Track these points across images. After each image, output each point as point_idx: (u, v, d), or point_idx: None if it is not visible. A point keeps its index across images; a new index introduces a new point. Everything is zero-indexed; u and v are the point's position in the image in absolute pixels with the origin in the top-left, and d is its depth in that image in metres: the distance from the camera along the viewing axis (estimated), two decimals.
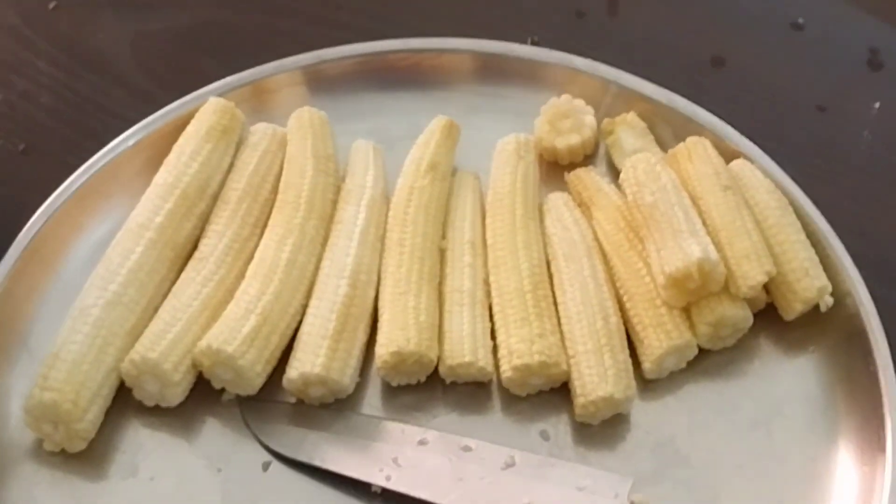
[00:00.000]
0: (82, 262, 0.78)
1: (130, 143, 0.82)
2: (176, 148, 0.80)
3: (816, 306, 0.75)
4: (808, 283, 0.74)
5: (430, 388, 0.75)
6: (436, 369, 0.75)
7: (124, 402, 0.73)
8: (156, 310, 0.74)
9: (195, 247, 0.77)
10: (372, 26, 0.91)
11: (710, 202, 0.76)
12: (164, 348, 0.71)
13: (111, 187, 0.81)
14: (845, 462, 0.72)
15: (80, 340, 0.71)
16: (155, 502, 0.72)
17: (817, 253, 0.76)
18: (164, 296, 0.75)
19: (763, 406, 0.74)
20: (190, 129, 0.81)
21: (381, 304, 0.76)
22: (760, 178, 0.78)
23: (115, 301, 0.73)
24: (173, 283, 0.76)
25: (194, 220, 0.78)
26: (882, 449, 0.70)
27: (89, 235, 0.80)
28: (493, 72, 0.87)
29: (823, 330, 0.76)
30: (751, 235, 0.74)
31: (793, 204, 0.78)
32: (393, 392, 0.75)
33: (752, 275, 0.73)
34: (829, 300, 0.75)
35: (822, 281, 0.74)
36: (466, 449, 0.71)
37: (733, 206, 0.75)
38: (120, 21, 0.94)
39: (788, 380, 0.75)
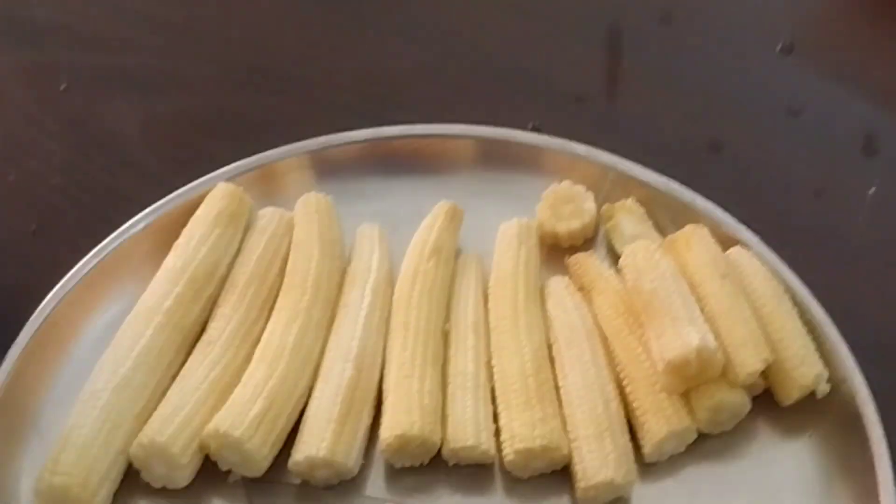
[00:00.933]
0: (92, 343, 0.79)
1: (140, 226, 0.83)
2: (185, 232, 0.81)
3: (813, 392, 0.75)
4: (804, 371, 0.75)
5: (433, 469, 0.75)
6: (439, 451, 0.75)
7: (132, 483, 0.74)
8: (164, 393, 0.75)
9: (203, 330, 0.78)
10: (376, 111, 0.92)
11: (709, 290, 0.76)
12: (172, 432, 0.72)
13: (121, 270, 0.82)
14: None
15: (90, 424, 0.72)
16: None
17: (813, 339, 0.76)
18: (173, 378, 0.76)
19: (761, 490, 0.74)
20: (199, 213, 0.82)
21: (385, 386, 0.76)
22: (757, 266, 0.79)
23: (124, 385, 0.74)
24: (181, 365, 0.77)
25: (203, 304, 0.79)
26: None
27: (99, 318, 0.80)
28: (495, 157, 0.87)
29: (820, 415, 0.76)
30: (748, 323, 0.75)
31: (789, 291, 0.78)
32: (397, 474, 0.75)
33: (749, 362, 0.73)
34: (826, 387, 0.75)
35: (819, 368, 0.75)
36: None
37: (731, 293, 0.76)
38: (130, 103, 0.95)
39: (786, 464, 0.75)
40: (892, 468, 0.72)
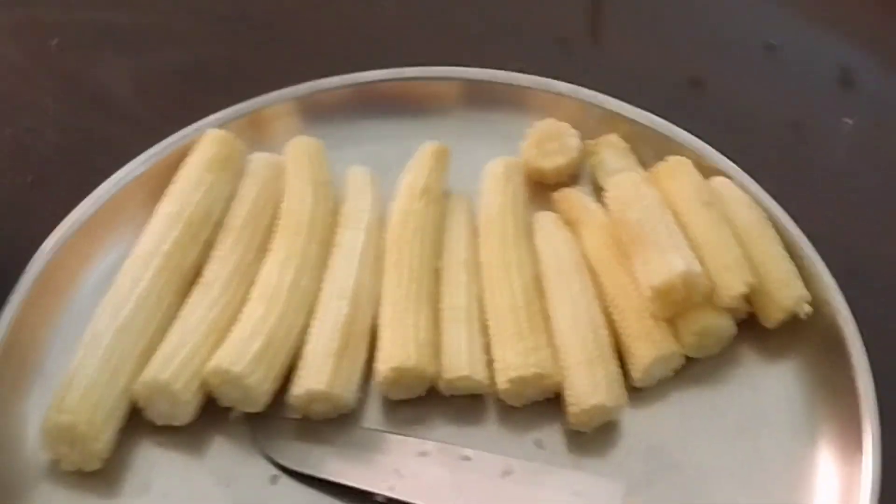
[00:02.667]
0: (92, 289, 0.80)
1: (135, 174, 0.84)
2: (179, 179, 0.82)
3: (796, 315, 0.77)
4: (786, 293, 0.77)
5: (429, 401, 0.77)
6: (434, 383, 0.77)
7: (136, 422, 0.75)
8: (165, 333, 0.76)
9: (200, 273, 0.80)
10: (363, 57, 0.92)
11: (692, 218, 0.78)
12: (174, 370, 0.74)
13: (117, 218, 0.83)
14: (827, 463, 0.74)
15: (94, 365, 0.74)
16: None
17: (795, 264, 0.78)
18: (173, 320, 0.77)
19: (748, 412, 0.76)
20: (191, 160, 0.83)
21: (381, 322, 0.78)
22: (739, 194, 0.81)
23: (125, 326, 0.75)
24: (181, 308, 0.78)
25: (199, 247, 0.80)
26: (860, 450, 0.72)
27: (98, 264, 0.82)
28: (480, 98, 0.89)
29: (803, 337, 0.78)
30: (731, 249, 0.77)
31: (771, 218, 0.80)
32: (393, 406, 0.77)
33: (733, 286, 0.76)
34: (808, 308, 0.77)
35: (801, 290, 0.77)
36: (465, 459, 0.74)
37: (714, 221, 0.78)
38: (121, 58, 0.96)
39: (771, 386, 0.77)
40: (873, 384, 0.74)
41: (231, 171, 0.84)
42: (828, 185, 0.89)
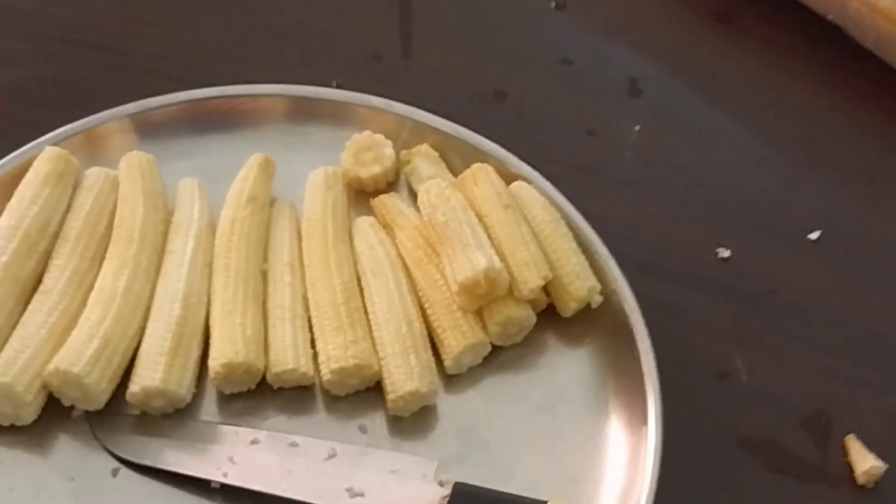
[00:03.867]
0: None
1: None
2: (17, 194, 0.85)
3: (589, 304, 0.83)
4: (579, 285, 0.83)
5: (259, 394, 0.81)
6: (264, 377, 0.81)
7: None
8: (6, 340, 0.79)
9: (40, 281, 0.82)
10: (191, 76, 0.94)
11: (494, 219, 0.84)
12: (15, 373, 0.77)
13: None
14: (617, 435, 0.80)
15: None
16: None
17: (587, 258, 0.84)
18: (13, 327, 0.80)
19: (548, 392, 0.82)
20: (28, 176, 0.86)
21: (211, 322, 0.82)
22: (536, 196, 0.86)
23: None
24: (21, 314, 0.81)
25: (37, 258, 0.83)
26: (645, 422, 0.79)
27: None
28: (302, 113, 0.92)
29: (595, 324, 0.84)
30: (529, 246, 0.83)
31: (565, 217, 0.86)
32: (226, 399, 0.81)
33: (531, 280, 0.81)
34: (599, 298, 0.83)
35: (592, 282, 0.83)
36: (294, 445, 0.78)
37: (513, 221, 0.83)
38: None
39: (568, 368, 0.83)
40: (655, 364, 0.80)
41: (66, 185, 0.86)
42: (618, 186, 0.95)
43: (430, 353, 0.82)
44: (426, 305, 0.84)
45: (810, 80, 1.03)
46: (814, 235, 0.94)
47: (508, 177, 0.88)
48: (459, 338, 0.82)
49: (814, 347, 0.89)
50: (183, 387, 0.80)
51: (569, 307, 0.84)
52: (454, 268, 0.82)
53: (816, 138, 1.00)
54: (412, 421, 0.81)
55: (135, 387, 0.79)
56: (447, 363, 0.82)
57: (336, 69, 0.99)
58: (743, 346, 0.88)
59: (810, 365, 0.88)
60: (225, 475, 0.78)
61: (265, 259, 0.86)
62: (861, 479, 0.83)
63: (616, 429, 0.81)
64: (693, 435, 0.83)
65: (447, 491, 0.76)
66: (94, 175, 0.88)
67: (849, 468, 0.84)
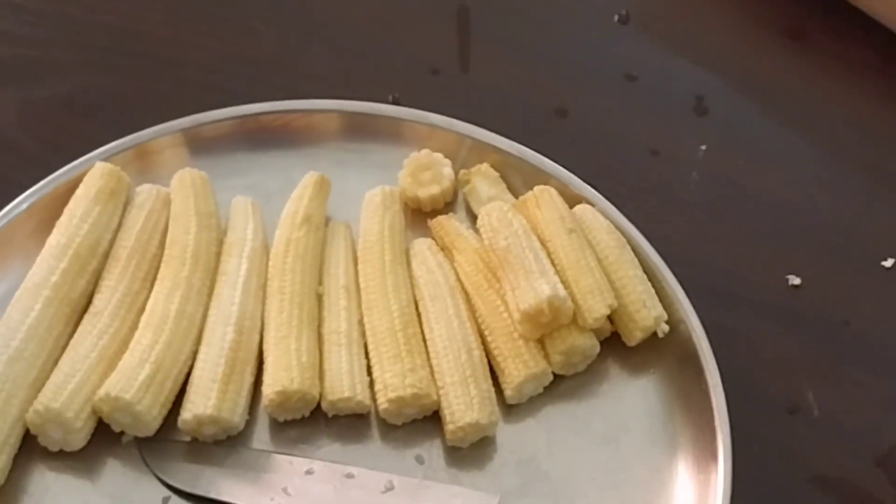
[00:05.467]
0: None
1: (23, 207, 0.85)
2: (67, 211, 0.84)
3: (655, 333, 0.81)
4: (645, 313, 0.81)
5: (313, 422, 0.80)
6: (318, 404, 0.79)
7: (30, 448, 0.77)
8: (55, 362, 0.78)
9: (90, 302, 0.81)
10: (245, 89, 0.94)
11: (557, 244, 0.82)
12: (65, 398, 0.76)
13: (6, 250, 0.84)
14: (684, 470, 0.78)
15: None
16: None
17: (653, 285, 0.82)
18: (63, 349, 0.79)
19: (611, 423, 0.80)
20: (79, 192, 0.85)
21: (265, 347, 0.81)
22: (601, 220, 0.84)
23: (17, 356, 0.77)
24: (71, 336, 0.80)
25: (88, 277, 0.82)
26: (715, 458, 0.77)
27: None
28: (358, 129, 0.90)
29: (661, 353, 0.82)
30: (594, 273, 0.81)
31: (630, 242, 0.84)
32: (280, 427, 0.80)
33: (596, 308, 0.80)
34: (665, 327, 0.81)
35: (658, 310, 0.81)
36: (349, 476, 0.77)
37: (577, 247, 0.82)
38: (6, 91, 0.96)
39: (633, 399, 0.81)
40: (725, 396, 0.78)
41: (117, 202, 0.85)
42: (683, 209, 0.93)
43: (490, 382, 0.81)
44: (486, 332, 0.82)
45: (883, 98, 1.00)
46: (888, 263, 0.91)
47: (570, 198, 0.86)
48: (521, 367, 0.80)
49: (889, 380, 0.86)
50: (236, 414, 0.78)
51: (634, 336, 0.82)
52: (517, 295, 0.80)
53: (891, 159, 0.97)
54: (470, 452, 0.80)
55: (187, 414, 0.78)
56: (508, 393, 0.81)
57: (393, 83, 0.98)
58: (814, 378, 0.86)
59: (885, 398, 0.85)
60: None
61: (320, 281, 0.84)
62: None
63: (683, 463, 0.79)
64: (763, 471, 0.81)
65: None
66: (146, 192, 0.87)
67: None
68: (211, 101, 0.91)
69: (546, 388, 0.82)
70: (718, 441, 0.77)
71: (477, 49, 1.02)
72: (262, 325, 0.82)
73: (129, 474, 0.78)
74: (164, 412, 0.78)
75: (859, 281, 0.91)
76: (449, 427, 0.78)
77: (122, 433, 0.78)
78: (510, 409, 0.81)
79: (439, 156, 0.88)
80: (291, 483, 0.77)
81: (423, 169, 0.88)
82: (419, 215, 0.89)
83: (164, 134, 0.89)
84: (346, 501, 0.76)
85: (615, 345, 0.83)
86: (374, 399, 0.80)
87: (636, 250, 0.84)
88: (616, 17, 1.04)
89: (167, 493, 0.77)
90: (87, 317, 0.81)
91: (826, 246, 0.92)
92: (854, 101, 1.00)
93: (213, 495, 0.77)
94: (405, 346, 0.80)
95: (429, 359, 0.81)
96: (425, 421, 0.80)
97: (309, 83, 0.97)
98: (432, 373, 0.80)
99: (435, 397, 0.79)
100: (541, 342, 0.81)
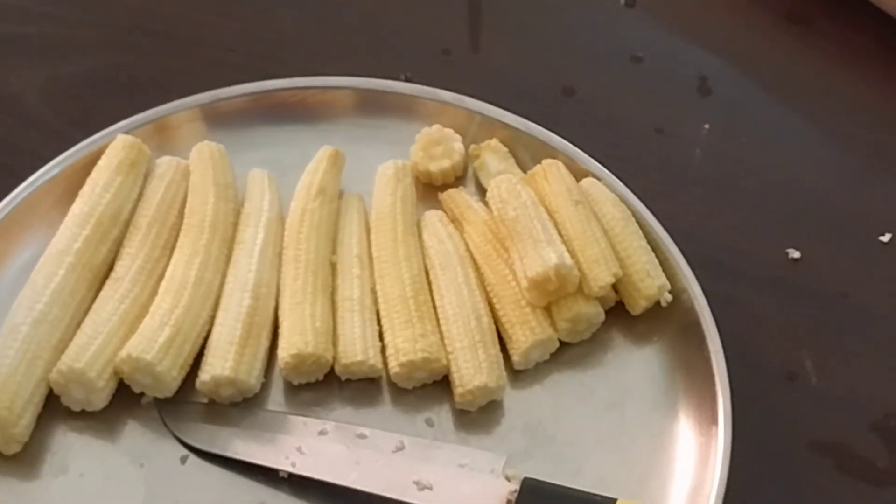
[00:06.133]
0: (8, 286, 0.83)
1: (47, 177, 0.86)
2: (89, 181, 0.86)
3: (658, 302, 0.83)
4: (649, 283, 0.82)
5: (327, 385, 0.81)
6: (332, 368, 0.81)
7: (53, 408, 0.79)
8: (79, 325, 0.80)
9: (111, 268, 0.83)
10: (262, 67, 0.95)
11: (564, 215, 0.84)
12: (88, 359, 0.78)
13: (31, 218, 0.86)
14: (686, 434, 0.80)
15: (12, 355, 0.77)
16: (85, 496, 0.77)
17: (657, 256, 0.84)
18: (86, 313, 0.81)
19: (616, 390, 0.82)
20: (101, 163, 0.86)
21: (280, 313, 0.82)
22: (607, 193, 0.86)
23: (41, 319, 0.79)
24: (93, 301, 0.82)
25: (109, 245, 0.84)
26: (715, 422, 0.78)
27: (13, 262, 0.85)
28: (371, 106, 0.92)
29: (665, 322, 0.84)
30: (599, 243, 0.82)
31: (635, 215, 0.85)
32: (294, 390, 0.81)
33: (601, 277, 0.81)
34: (668, 297, 0.83)
35: (662, 280, 0.83)
36: (361, 437, 0.78)
37: (584, 218, 0.83)
38: (31, 67, 0.98)
39: (636, 366, 0.83)
40: (725, 363, 0.80)
41: (138, 173, 0.87)
42: (687, 185, 0.95)
43: (498, 347, 0.82)
44: (494, 300, 0.84)
45: (883, 81, 1.02)
46: (885, 238, 0.93)
47: (578, 173, 0.88)
48: (528, 333, 0.82)
49: (884, 350, 0.88)
50: (252, 376, 0.80)
51: (638, 305, 0.84)
52: (524, 263, 0.81)
53: (889, 140, 0.99)
54: (479, 415, 0.81)
55: (205, 375, 0.79)
56: (515, 358, 0.82)
57: (405, 63, 0.99)
58: (813, 347, 0.87)
59: (881, 368, 0.87)
60: (293, 465, 0.78)
61: (334, 251, 0.86)
62: None
63: (685, 428, 0.81)
64: (762, 436, 0.83)
65: (516, 486, 0.76)
66: (166, 164, 0.88)
67: None
68: (229, 79, 0.93)
69: (552, 355, 0.83)
70: (719, 406, 0.79)
71: (487, 30, 1.03)
72: (278, 291, 0.84)
73: (148, 434, 0.80)
74: (183, 374, 0.80)
75: (857, 255, 0.92)
76: (458, 390, 0.80)
77: (141, 394, 0.80)
78: (517, 375, 0.83)
79: (450, 131, 0.90)
80: (305, 443, 0.78)
81: (435, 144, 0.89)
82: (430, 189, 0.90)
83: (183, 109, 0.91)
84: (357, 460, 0.77)
85: (620, 314, 0.84)
86: (385, 363, 0.82)
87: (641, 223, 0.86)
88: (623, 1, 1.06)
89: (185, 452, 0.79)
90: (108, 282, 0.83)
91: (825, 221, 0.94)
92: (854, 84, 1.02)
93: (229, 454, 0.78)
94: (416, 312, 0.82)
95: (439, 325, 0.83)
96: (435, 385, 0.82)
97: (324, 62, 0.98)
98: (442, 338, 0.82)
99: (445, 362, 0.81)
100: (547, 310, 0.83)
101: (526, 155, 0.90)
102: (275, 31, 1.02)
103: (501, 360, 0.82)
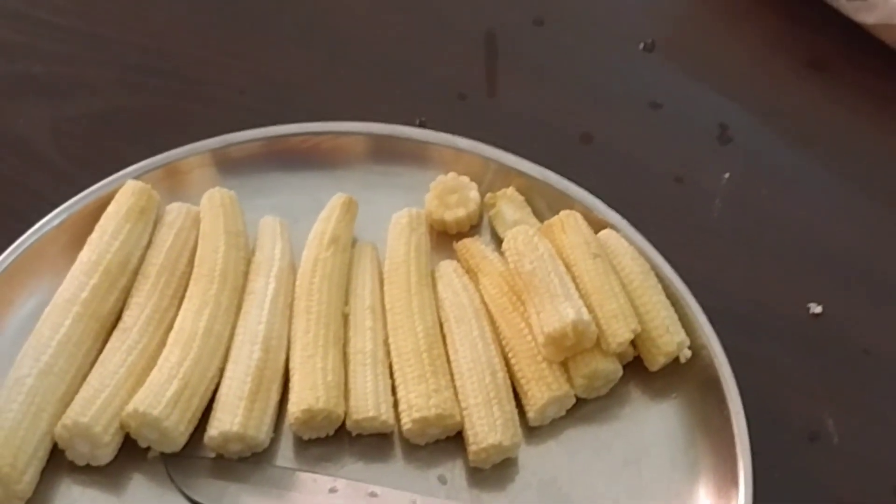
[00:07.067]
0: (13, 335, 0.82)
1: (55, 223, 0.85)
2: (98, 228, 0.85)
3: (677, 358, 0.82)
4: (668, 339, 0.81)
5: (338, 440, 0.80)
6: (343, 423, 0.80)
7: (58, 461, 0.77)
8: (85, 377, 0.79)
9: (119, 318, 0.82)
10: (274, 110, 0.95)
11: (582, 269, 0.82)
12: (94, 413, 0.76)
13: (38, 265, 0.84)
14: (704, 495, 0.78)
15: (16, 408, 0.76)
16: None
17: (676, 311, 0.83)
18: (92, 364, 0.80)
19: (633, 447, 0.81)
20: (110, 209, 0.85)
21: (291, 366, 0.81)
22: (625, 246, 0.85)
23: (46, 371, 0.78)
24: (100, 352, 0.80)
25: (117, 294, 0.83)
26: (735, 484, 0.77)
27: (18, 311, 0.83)
28: (385, 152, 0.91)
29: (683, 379, 0.82)
30: (618, 298, 0.81)
31: (654, 268, 0.84)
32: (304, 445, 0.80)
33: (619, 333, 0.80)
34: (688, 353, 0.82)
35: (681, 336, 0.82)
36: (373, 495, 0.77)
37: (602, 272, 0.82)
38: (38, 108, 0.97)
39: (654, 423, 0.82)
40: (746, 422, 0.78)
41: (148, 220, 0.86)
42: (706, 235, 0.94)
43: (513, 404, 0.81)
44: (510, 355, 0.83)
45: None
46: None
47: (596, 224, 0.87)
48: (544, 389, 0.80)
49: None
50: (262, 432, 0.79)
51: (657, 361, 0.82)
52: (541, 318, 0.80)
53: None
54: (493, 473, 0.80)
55: (213, 431, 0.78)
56: (530, 415, 0.81)
57: (420, 107, 0.98)
58: (835, 406, 0.86)
59: None
60: None
61: (346, 302, 0.85)
62: None
63: (704, 488, 0.79)
64: (783, 498, 0.81)
65: None
66: (176, 211, 0.87)
67: None
68: (240, 122, 0.92)
69: (568, 411, 0.82)
70: (739, 467, 0.77)
71: (504, 75, 1.02)
72: (289, 343, 0.83)
73: (154, 490, 0.78)
74: (191, 428, 0.79)
75: (881, 311, 0.91)
76: (472, 448, 0.79)
77: (148, 448, 0.79)
78: (532, 431, 0.81)
79: (466, 179, 0.89)
80: (315, 501, 0.77)
81: (450, 192, 0.89)
82: (445, 238, 0.89)
83: (194, 153, 0.90)
84: None
85: (638, 369, 0.83)
86: (398, 419, 0.80)
87: (660, 276, 0.85)
88: (641, 46, 1.05)
89: None
90: (116, 333, 0.82)
91: (847, 274, 0.93)
92: (876, 131, 1.00)
93: None
94: (430, 366, 0.81)
95: (453, 380, 0.81)
96: (448, 441, 0.80)
97: (337, 106, 0.97)
98: (456, 394, 0.81)
99: (458, 418, 0.80)
100: (564, 365, 0.81)
101: (543, 203, 0.90)
102: (287, 73, 1.01)
103: (517, 418, 0.81)
